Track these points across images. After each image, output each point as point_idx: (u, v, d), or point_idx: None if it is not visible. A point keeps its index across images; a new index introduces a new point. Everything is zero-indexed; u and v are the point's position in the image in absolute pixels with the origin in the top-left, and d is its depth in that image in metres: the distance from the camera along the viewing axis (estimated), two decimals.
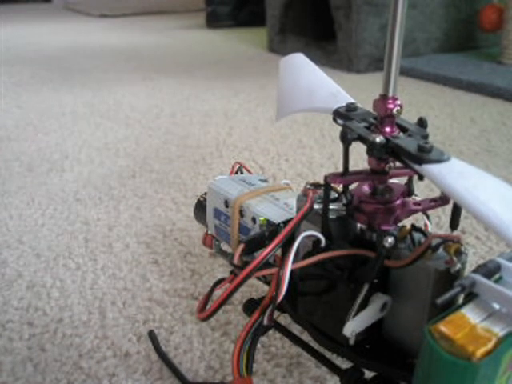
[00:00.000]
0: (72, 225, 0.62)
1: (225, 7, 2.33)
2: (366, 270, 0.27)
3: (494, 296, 0.22)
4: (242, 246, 0.32)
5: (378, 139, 0.26)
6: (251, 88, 1.24)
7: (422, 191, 0.66)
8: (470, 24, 1.46)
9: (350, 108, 0.30)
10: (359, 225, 0.32)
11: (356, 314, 0.27)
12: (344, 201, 0.30)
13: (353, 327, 0.27)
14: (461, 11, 1.45)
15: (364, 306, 0.28)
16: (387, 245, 0.26)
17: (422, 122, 0.28)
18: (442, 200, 0.29)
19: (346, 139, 0.27)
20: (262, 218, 0.35)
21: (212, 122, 1.00)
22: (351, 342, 0.27)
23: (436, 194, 0.64)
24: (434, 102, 1.08)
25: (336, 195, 0.31)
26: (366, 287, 0.27)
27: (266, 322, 0.31)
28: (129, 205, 0.67)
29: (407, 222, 0.30)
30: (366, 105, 0.30)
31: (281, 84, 0.37)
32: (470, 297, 0.23)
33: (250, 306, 0.35)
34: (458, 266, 0.26)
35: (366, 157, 0.29)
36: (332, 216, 0.31)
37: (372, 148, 0.26)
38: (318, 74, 0.35)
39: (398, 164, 0.28)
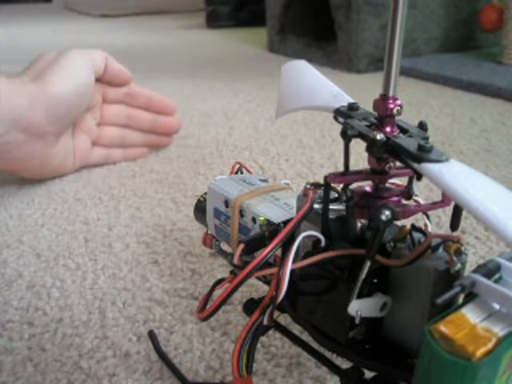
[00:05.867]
0: (72, 225, 0.62)
1: (225, 7, 2.33)
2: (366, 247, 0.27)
3: (494, 296, 0.22)
4: (242, 246, 0.32)
5: (379, 136, 0.26)
6: (251, 88, 1.24)
7: (422, 191, 0.66)
8: (470, 24, 1.46)
9: (352, 107, 0.30)
10: (359, 225, 0.32)
11: (359, 294, 0.27)
12: (344, 198, 0.30)
13: (358, 306, 0.27)
14: (461, 11, 1.45)
15: (367, 286, 0.28)
16: (384, 218, 0.25)
17: (422, 126, 0.28)
18: (443, 202, 0.29)
19: (347, 135, 0.27)
20: (262, 218, 0.35)
21: (212, 122, 1.00)
22: (357, 320, 0.27)
23: (435, 194, 0.65)
24: (434, 102, 1.08)
25: (336, 195, 0.32)
26: (367, 264, 0.27)
27: (266, 321, 0.31)
28: (129, 205, 0.67)
29: (407, 223, 0.30)
30: (366, 105, 0.30)
31: (282, 84, 0.37)
32: (470, 297, 0.23)
33: (250, 305, 0.35)
34: (458, 265, 0.26)
35: (365, 156, 0.29)
36: (332, 216, 0.31)
37: (372, 145, 0.26)
38: (320, 77, 0.36)
39: (398, 164, 0.28)
